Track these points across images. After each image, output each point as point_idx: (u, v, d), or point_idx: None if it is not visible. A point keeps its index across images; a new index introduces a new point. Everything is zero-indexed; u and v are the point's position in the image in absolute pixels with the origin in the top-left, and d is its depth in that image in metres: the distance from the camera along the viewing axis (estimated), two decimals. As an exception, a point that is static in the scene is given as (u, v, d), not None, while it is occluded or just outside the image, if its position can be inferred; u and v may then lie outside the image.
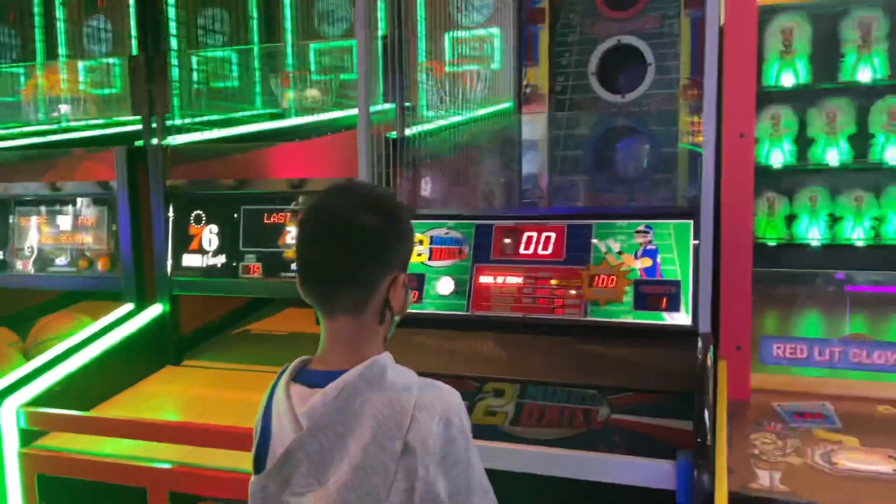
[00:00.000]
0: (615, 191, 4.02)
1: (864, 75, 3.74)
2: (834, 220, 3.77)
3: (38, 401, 2.23)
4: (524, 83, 4.48)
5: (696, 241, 2.00)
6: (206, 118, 3.41)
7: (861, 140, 3.71)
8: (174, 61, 2.84)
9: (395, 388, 1.17)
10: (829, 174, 3.79)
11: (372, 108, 2.69)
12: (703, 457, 1.55)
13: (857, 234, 3.72)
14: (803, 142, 3.80)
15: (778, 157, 3.80)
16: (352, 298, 1.21)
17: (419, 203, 2.55)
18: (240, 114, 3.76)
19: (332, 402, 1.15)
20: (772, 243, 3.85)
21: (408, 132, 2.64)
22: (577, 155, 4.13)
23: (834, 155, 3.71)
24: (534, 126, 4.24)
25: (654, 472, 1.63)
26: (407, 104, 3.58)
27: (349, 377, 1.16)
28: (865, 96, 3.70)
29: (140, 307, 2.72)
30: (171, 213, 2.75)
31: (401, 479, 1.13)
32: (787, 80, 3.83)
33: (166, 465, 2.07)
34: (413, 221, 2.34)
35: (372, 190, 1.30)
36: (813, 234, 3.78)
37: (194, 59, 3.49)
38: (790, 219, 3.84)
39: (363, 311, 1.21)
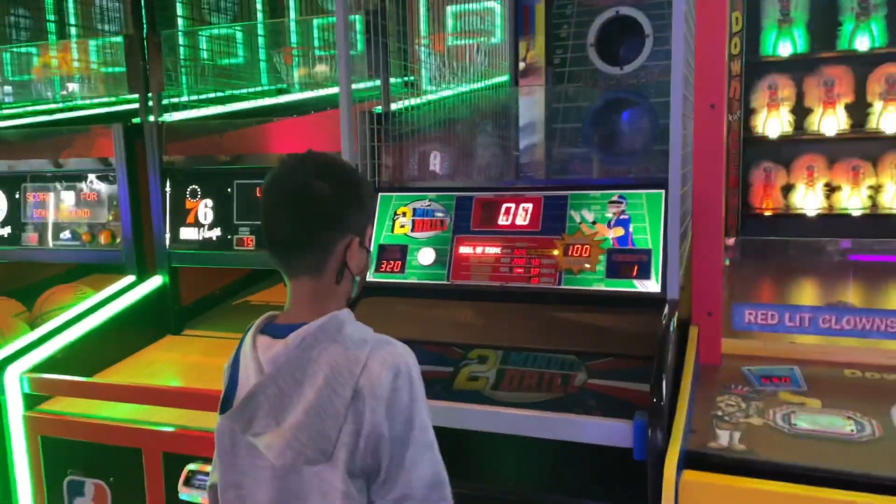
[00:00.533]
0: (613, 163, 4.04)
1: (863, 43, 3.73)
2: (831, 189, 3.78)
3: (41, 367, 2.34)
4: (521, 56, 4.50)
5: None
6: (209, 95, 3.50)
7: (859, 109, 3.71)
8: (181, 39, 2.92)
9: (352, 340, 1.26)
10: (827, 143, 3.79)
11: (366, 84, 2.76)
12: (657, 416, 1.61)
13: (853, 203, 3.73)
14: (801, 111, 3.80)
15: (775, 126, 3.81)
16: (310, 262, 1.30)
17: (403, 176, 2.61)
18: (243, 91, 3.84)
19: (292, 350, 1.24)
20: (768, 213, 3.87)
21: (394, 106, 2.69)
22: (576, 127, 4.15)
23: (831, 124, 3.71)
24: (531, 99, 4.27)
25: (613, 432, 1.70)
26: (408, 78, 3.63)
27: (309, 329, 1.25)
28: (864, 64, 3.69)
29: (141, 279, 2.83)
30: (167, 188, 2.84)
31: (350, 422, 1.22)
32: (785, 49, 3.82)
33: (160, 428, 2.18)
34: (396, 194, 2.42)
35: (326, 159, 1.34)
36: (810, 203, 3.80)
37: (197, 37, 3.57)
38: (787, 188, 3.86)
39: (322, 272, 1.30)
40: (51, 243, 2.98)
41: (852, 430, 1.73)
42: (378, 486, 1.27)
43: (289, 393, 1.24)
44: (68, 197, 2.99)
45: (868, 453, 1.62)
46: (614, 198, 2.18)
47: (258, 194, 2.76)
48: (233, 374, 1.32)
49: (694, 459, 1.65)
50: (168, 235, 2.84)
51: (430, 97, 3.07)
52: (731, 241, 3.66)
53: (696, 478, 1.57)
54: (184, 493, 2.06)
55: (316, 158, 1.32)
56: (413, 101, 2.74)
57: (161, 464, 2.15)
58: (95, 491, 2.24)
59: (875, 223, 3.69)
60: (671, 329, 1.83)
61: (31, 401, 2.31)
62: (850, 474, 1.52)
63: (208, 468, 2.06)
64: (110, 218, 2.91)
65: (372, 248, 1.43)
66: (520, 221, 2.28)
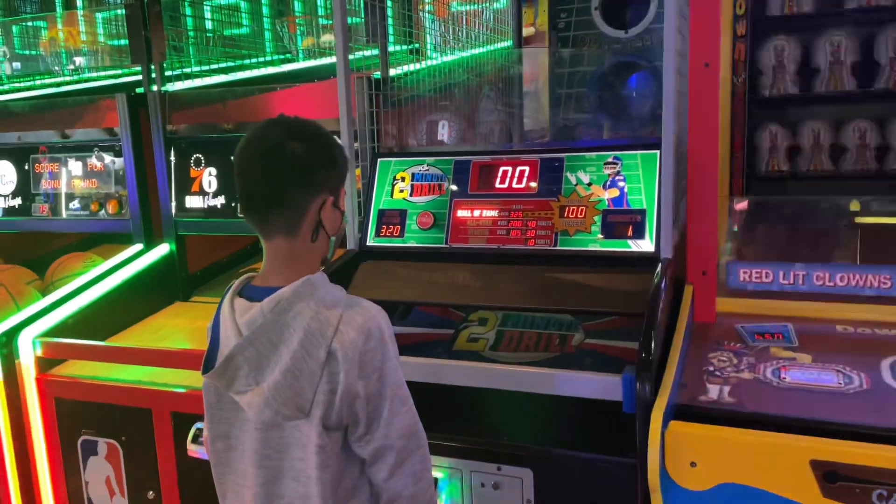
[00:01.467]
0: (619, 127, 4.03)
1: (872, 1, 3.66)
2: (837, 151, 3.75)
3: (54, 332, 2.42)
4: (529, 23, 4.47)
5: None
6: (211, 66, 3.52)
7: (866, 69, 3.66)
8: (187, 10, 2.93)
9: (324, 303, 1.30)
10: (834, 104, 3.75)
11: (373, 52, 2.76)
12: (645, 370, 1.65)
13: (860, 165, 3.70)
14: (807, 72, 3.76)
15: (781, 88, 3.77)
16: (285, 221, 1.32)
17: (400, 141, 2.64)
18: (247, 61, 3.86)
19: (267, 314, 1.28)
20: (774, 176, 3.86)
21: (392, 72, 2.70)
22: (581, 92, 4.14)
23: (838, 85, 3.67)
24: (534, 63, 4.25)
25: (604, 386, 1.74)
26: (412, 45, 3.63)
27: (283, 293, 1.29)
28: (870, 24, 3.63)
29: (148, 247, 2.89)
30: (172, 157, 2.88)
31: (325, 382, 1.28)
32: (792, 9, 3.76)
33: (169, 389, 2.25)
34: (395, 159, 2.45)
35: (299, 120, 1.36)
36: (816, 166, 3.78)
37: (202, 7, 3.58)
38: (793, 151, 3.84)
39: (297, 232, 1.33)
40: (61, 213, 3.04)
41: (840, 383, 1.76)
42: (357, 438, 1.34)
43: (266, 354, 1.28)
44: (76, 167, 3.04)
45: (854, 404, 1.65)
46: (610, 159, 2.19)
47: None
48: (214, 335, 1.37)
49: (682, 412, 1.69)
50: (174, 204, 2.88)
51: (430, 62, 3.08)
52: (741, 205, 3.66)
53: (681, 428, 1.61)
54: (192, 449, 2.13)
55: (288, 120, 1.35)
56: (412, 67, 2.75)
57: (170, 423, 2.22)
58: (108, 449, 2.32)
59: (882, 185, 3.66)
60: (662, 287, 1.86)
61: (44, 364, 2.39)
62: (833, 423, 1.55)
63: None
64: (118, 187, 2.96)
65: (346, 210, 1.46)
66: (517, 184, 2.30)
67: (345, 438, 1.34)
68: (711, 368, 1.89)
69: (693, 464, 1.60)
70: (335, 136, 1.42)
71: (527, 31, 4.53)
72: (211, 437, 1.42)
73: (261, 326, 1.28)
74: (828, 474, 1.50)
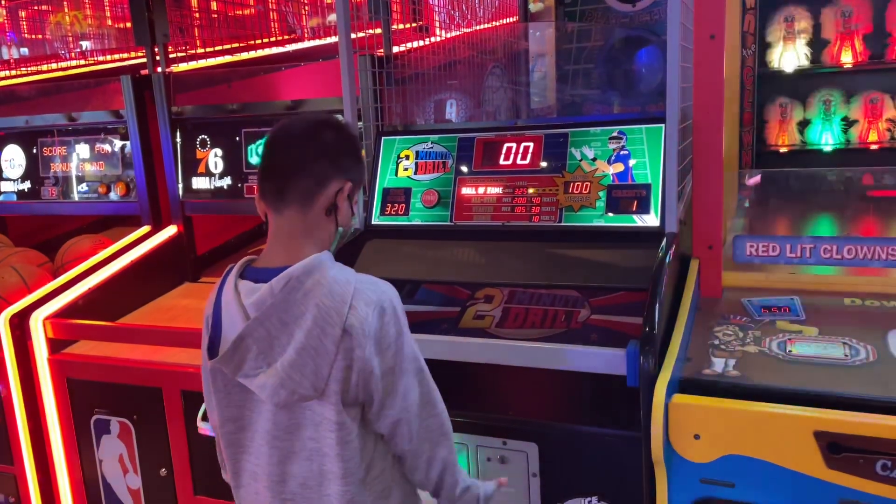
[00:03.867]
0: (627, 102, 4.00)
1: (882, -30, 3.59)
2: (848, 123, 3.71)
3: (64, 313, 2.45)
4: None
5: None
6: (221, 47, 3.52)
7: (877, 40, 3.60)
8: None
9: (336, 280, 1.29)
10: (844, 76, 3.71)
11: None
12: (648, 344, 1.65)
13: (871, 136, 3.66)
14: (818, 44, 3.70)
15: (791, 60, 3.72)
16: (304, 189, 1.33)
17: (404, 119, 2.63)
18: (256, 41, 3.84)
19: (277, 293, 1.27)
20: (784, 150, 3.82)
21: (396, 49, 2.69)
22: (588, 67, 4.10)
23: (849, 56, 3.62)
24: (541, 38, 4.21)
25: (609, 360, 1.74)
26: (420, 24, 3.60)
27: (293, 271, 1.28)
28: (882, -6, 3.57)
29: (157, 229, 2.91)
30: (178, 139, 2.89)
31: (340, 359, 1.27)
32: (801, -22, 3.70)
33: (179, 368, 2.27)
34: (399, 137, 2.44)
35: (331, 116, 1.46)
36: (827, 139, 3.74)
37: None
38: (803, 124, 3.79)
39: (311, 205, 1.34)
40: (69, 196, 3.06)
41: (846, 355, 1.75)
42: (375, 413, 1.35)
43: (277, 335, 1.27)
44: (83, 150, 3.06)
45: (859, 376, 1.65)
46: (614, 134, 2.18)
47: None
48: (215, 320, 1.35)
49: (687, 385, 1.69)
50: (181, 185, 2.90)
51: (435, 39, 3.06)
52: (753, 180, 3.63)
53: (684, 401, 1.61)
54: (202, 427, 2.16)
55: (321, 113, 1.47)
56: (416, 44, 2.74)
57: (181, 401, 2.25)
58: (121, 428, 2.36)
59: (894, 156, 3.62)
60: (667, 262, 1.85)
61: (56, 345, 2.42)
62: (837, 395, 1.55)
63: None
64: (125, 170, 2.98)
65: (378, 195, 1.50)
66: (521, 161, 2.29)
67: (362, 415, 1.35)
68: (717, 342, 1.89)
69: (697, 436, 1.61)
70: (338, 115, 1.46)
71: (535, 6, 4.48)
72: (220, 421, 1.41)
73: (271, 306, 1.27)
74: (831, 445, 1.50)
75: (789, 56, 3.74)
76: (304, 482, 1.35)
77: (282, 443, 1.34)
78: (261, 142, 2.77)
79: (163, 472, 2.33)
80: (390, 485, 1.42)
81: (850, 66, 3.63)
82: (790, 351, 1.81)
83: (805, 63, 3.71)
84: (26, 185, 3.14)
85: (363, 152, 1.49)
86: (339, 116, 1.46)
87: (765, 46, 3.76)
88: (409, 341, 1.36)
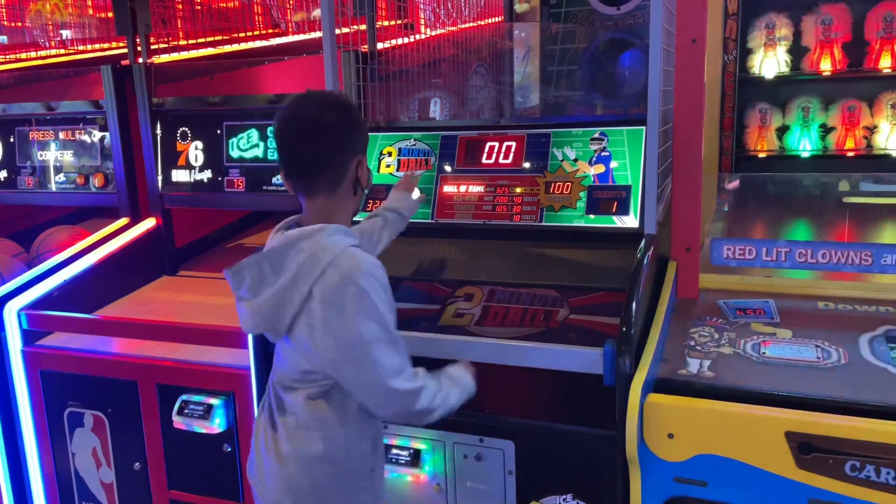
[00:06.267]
0: (610, 104, 4.02)
1: (862, -19, 3.65)
2: (826, 130, 3.76)
3: (39, 305, 2.41)
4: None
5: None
6: (204, 39, 3.49)
7: (856, 48, 3.66)
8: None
9: (323, 248, 1.46)
10: (823, 84, 3.76)
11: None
12: (625, 344, 1.67)
13: (848, 143, 3.72)
14: (798, 51, 3.76)
15: (772, 67, 3.77)
16: (329, 181, 1.54)
17: (387, 116, 2.62)
18: (239, 34, 3.82)
19: (283, 242, 1.48)
20: (763, 155, 3.87)
21: (380, 46, 2.69)
22: (572, 69, 4.12)
23: (828, 64, 3.68)
24: (525, 39, 4.23)
25: (586, 359, 1.75)
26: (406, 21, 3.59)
27: (304, 229, 1.49)
28: (862, 3, 3.63)
29: (135, 221, 2.88)
30: (158, 131, 2.86)
31: (303, 316, 1.46)
32: (783, -13, 3.75)
33: (154, 361, 2.25)
34: (382, 134, 2.44)
35: (326, 94, 1.62)
36: (804, 145, 3.79)
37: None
38: (782, 130, 3.85)
39: (337, 190, 1.55)
40: (46, 187, 3.02)
41: (818, 358, 1.78)
42: (352, 382, 1.48)
43: (268, 276, 1.48)
44: (62, 140, 3.02)
45: (831, 379, 1.68)
46: (596, 135, 2.19)
47: (255, 132, 2.79)
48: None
49: (662, 385, 1.71)
50: (160, 178, 2.87)
51: (419, 37, 3.06)
52: (732, 184, 3.67)
53: (659, 400, 1.63)
54: (177, 421, 2.15)
55: (317, 94, 1.58)
56: (400, 41, 2.73)
57: (156, 394, 2.23)
58: (94, 421, 2.33)
59: (869, 164, 3.68)
60: (645, 263, 1.87)
61: (29, 336, 2.39)
62: (808, 397, 1.58)
63: (199, 398, 2.16)
64: (104, 161, 2.94)
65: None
66: (503, 160, 2.30)
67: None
68: (692, 343, 1.91)
69: (671, 435, 1.63)
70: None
71: (521, 7, 4.50)
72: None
73: (272, 250, 1.48)
74: (802, 445, 1.53)
75: (770, 62, 3.79)
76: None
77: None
78: (242, 135, 2.76)
79: (136, 466, 2.31)
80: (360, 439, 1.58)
81: (829, 73, 3.69)
82: (764, 353, 1.83)
83: (785, 70, 3.77)
84: (2, 175, 3.09)
85: (361, 116, 1.72)
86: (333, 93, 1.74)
87: (746, 52, 3.81)
88: (382, 312, 1.46)
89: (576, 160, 2.20)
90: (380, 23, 3.01)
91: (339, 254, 1.46)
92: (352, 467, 1.56)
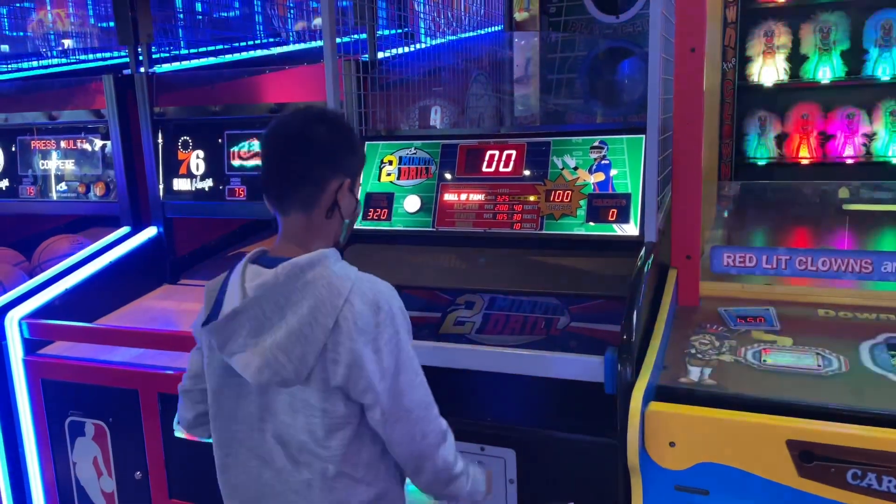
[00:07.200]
0: (609, 113, 4.04)
1: (860, -11, 3.66)
2: (825, 137, 3.77)
3: (40, 314, 2.42)
4: (522, 6, 4.45)
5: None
6: (201, 49, 3.50)
7: (855, 56, 3.67)
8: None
9: (336, 275, 1.33)
10: (822, 91, 3.77)
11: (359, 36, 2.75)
12: (626, 352, 1.67)
13: (848, 151, 3.72)
14: (796, 59, 3.77)
15: (770, 74, 3.78)
16: (304, 196, 1.39)
17: (388, 124, 2.63)
18: (237, 44, 3.84)
19: (281, 278, 1.32)
20: (762, 162, 3.88)
21: (382, 56, 2.70)
22: (571, 77, 4.13)
23: (827, 71, 3.69)
24: (525, 48, 4.24)
25: (587, 367, 1.76)
26: (405, 30, 3.61)
27: (297, 261, 1.33)
28: (860, 10, 3.64)
29: (136, 230, 2.88)
30: (160, 140, 2.87)
31: (330, 351, 1.30)
32: (781, -6, 3.76)
33: (156, 370, 2.26)
34: (382, 143, 2.45)
35: (323, 108, 1.52)
36: (804, 153, 3.80)
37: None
38: (781, 137, 3.86)
39: (313, 207, 1.40)
40: (48, 195, 3.03)
41: (819, 366, 1.78)
42: (372, 414, 1.35)
43: (270, 317, 1.31)
44: (63, 149, 3.03)
45: (832, 387, 1.68)
46: (596, 143, 2.20)
47: (256, 142, 2.81)
48: (219, 297, 1.39)
49: (663, 393, 1.71)
50: (161, 186, 2.88)
51: (420, 46, 3.07)
52: (732, 191, 3.67)
53: (660, 409, 1.63)
54: (178, 430, 2.14)
55: (314, 108, 1.47)
56: (401, 50, 2.75)
57: (157, 404, 2.23)
58: (95, 430, 2.33)
59: (869, 171, 3.69)
60: (645, 271, 1.88)
61: (31, 345, 2.39)
62: (809, 405, 1.58)
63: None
64: (105, 170, 2.95)
65: (360, 198, 1.53)
66: (503, 168, 2.30)
67: (362, 414, 1.36)
68: (693, 351, 1.91)
69: (672, 444, 1.62)
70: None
71: (520, 15, 4.51)
72: (212, 413, 1.45)
73: (271, 288, 1.31)
74: (803, 454, 1.53)
75: (769, 70, 3.80)
76: (281, 467, 1.36)
77: (265, 424, 1.36)
78: (243, 144, 2.77)
79: (137, 475, 2.31)
80: (385, 486, 1.44)
81: (827, 81, 3.70)
82: (765, 361, 1.83)
83: (784, 77, 3.78)
84: (4, 184, 3.10)
85: (357, 138, 1.51)
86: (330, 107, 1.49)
87: (745, 60, 3.82)
88: (407, 342, 1.38)
89: (576, 168, 2.20)
90: (380, 32, 3.02)
91: (356, 280, 1.34)
92: None
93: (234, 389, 1.39)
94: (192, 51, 3.27)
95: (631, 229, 2.09)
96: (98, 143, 2.95)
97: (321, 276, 1.31)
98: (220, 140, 2.79)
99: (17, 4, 4.80)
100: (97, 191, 2.94)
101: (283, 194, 1.40)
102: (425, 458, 1.41)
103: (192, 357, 1.60)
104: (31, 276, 2.65)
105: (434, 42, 3.58)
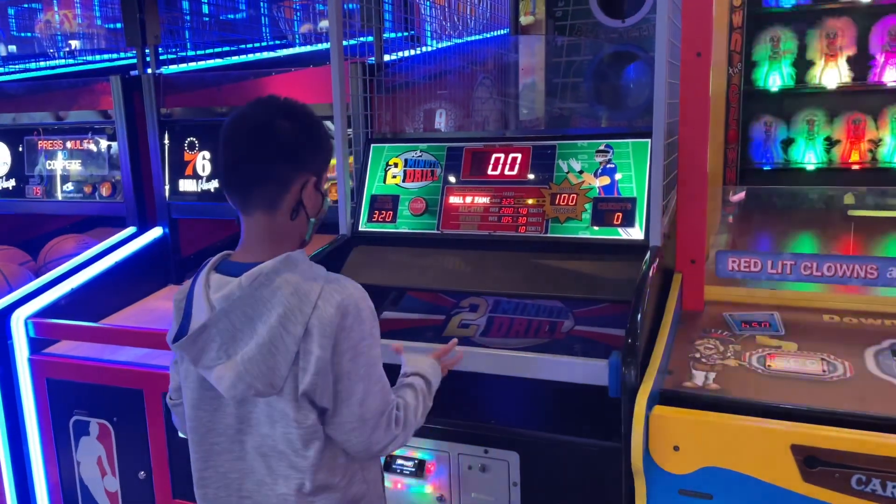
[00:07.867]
0: (615, 117, 4.04)
1: (866, -5, 3.66)
2: (831, 143, 3.77)
3: (46, 313, 2.43)
4: (528, 10, 4.45)
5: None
6: (208, 51, 3.51)
7: (861, 61, 3.67)
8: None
9: (304, 279, 1.29)
10: (828, 97, 3.77)
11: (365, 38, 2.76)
12: (631, 355, 1.67)
13: (853, 157, 3.72)
14: (802, 64, 3.77)
15: (776, 80, 3.79)
16: (267, 195, 1.32)
17: (393, 127, 2.64)
18: (244, 45, 3.85)
19: (246, 288, 1.27)
20: (768, 168, 3.88)
21: (388, 59, 2.71)
22: (577, 81, 4.13)
23: (833, 77, 3.69)
24: (531, 51, 4.25)
25: (591, 370, 1.75)
26: (410, 32, 3.62)
27: (263, 267, 1.28)
28: (866, 16, 3.64)
29: (142, 230, 2.90)
30: (166, 141, 2.88)
31: (301, 358, 1.27)
32: (787, 1, 3.77)
33: (161, 370, 2.26)
34: (388, 145, 2.45)
35: (288, 101, 1.37)
36: (810, 158, 3.80)
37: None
38: (787, 143, 3.85)
39: (277, 208, 1.33)
40: (54, 195, 3.04)
41: (824, 371, 1.78)
42: (330, 417, 1.33)
43: (240, 328, 1.27)
44: (70, 150, 3.04)
45: (836, 392, 1.67)
46: (601, 147, 2.20)
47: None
48: (186, 310, 1.34)
49: (667, 397, 1.70)
50: (167, 187, 2.89)
51: (426, 49, 3.08)
52: (737, 196, 3.67)
53: (665, 413, 1.63)
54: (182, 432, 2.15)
55: (278, 100, 1.36)
56: (407, 53, 2.75)
57: (162, 403, 2.23)
58: (100, 430, 2.34)
59: (875, 177, 3.68)
60: (650, 275, 1.88)
61: (36, 345, 2.40)
62: (814, 410, 1.57)
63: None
64: (111, 170, 2.97)
65: (327, 194, 1.48)
66: (508, 171, 2.31)
67: (319, 415, 1.34)
68: (697, 355, 1.91)
69: (676, 448, 1.62)
70: (327, 121, 1.44)
71: (526, 19, 4.52)
72: (190, 426, 1.41)
73: (238, 299, 1.26)
74: (808, 459, 1.52)
75: (774, 75, 3.80)
76: (261, 479, 1.34)
77: (242, 436, 1.34)
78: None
79: (141, 474, 2.31)
80: (364, 488, 1.42)
81: (833, 86, 3.70)
82: (769, 366, 1.83)
83: (790, 83, 3.78)
84: (10, 184, 3.12)
85: (324, 132, 1.41)
86: (298, 103, 1.39)
87: (751, 65, 3.82)
88: (372, 346, 1.34)
89: (581, 172, 2.20)
90: (386, 34, 3.03)
91: (325, 283, 1.30)
92: None
93: (210, 402, 1.36)
94: (198, 52, 3.28)
95: (636, 233, 2.09)
96: (104, 143, 2.97)
97: (287, 283, 1.27)
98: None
99: (25, 5, 4.83)
100: (103, 191, 2.96)
101: (244, 194, 1.33)
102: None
103: (171, 370, 1.54)
104: (37, 276, 2.66)
105: (440, 45, 3.59)
